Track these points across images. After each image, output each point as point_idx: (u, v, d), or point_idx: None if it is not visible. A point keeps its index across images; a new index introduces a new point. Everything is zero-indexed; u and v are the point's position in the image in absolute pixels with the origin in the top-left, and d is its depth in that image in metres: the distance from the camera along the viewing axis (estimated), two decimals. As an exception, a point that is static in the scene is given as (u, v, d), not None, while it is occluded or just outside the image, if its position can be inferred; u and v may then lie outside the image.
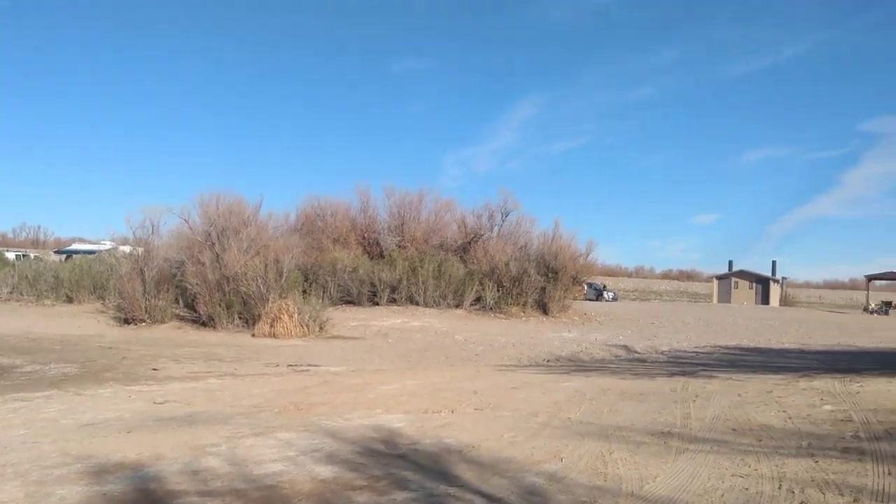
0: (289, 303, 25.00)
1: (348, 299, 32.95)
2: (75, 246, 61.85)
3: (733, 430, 7.85)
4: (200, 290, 26.57)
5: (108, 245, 43.69)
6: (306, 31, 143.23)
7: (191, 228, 30.20)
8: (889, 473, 5.66)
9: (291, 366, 16.58)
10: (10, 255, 50.05)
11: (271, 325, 24.77)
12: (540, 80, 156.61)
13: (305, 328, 24.55)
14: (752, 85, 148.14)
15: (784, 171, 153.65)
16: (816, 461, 6.18)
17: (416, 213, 37.99)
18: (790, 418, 8.29)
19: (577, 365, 17.23)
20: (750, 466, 6.15)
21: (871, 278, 69.74)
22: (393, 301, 33.16)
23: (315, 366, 16.57)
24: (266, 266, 26.29)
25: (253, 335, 24.50)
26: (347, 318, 28.24)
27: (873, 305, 62.65)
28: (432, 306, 32.71)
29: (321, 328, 24.93)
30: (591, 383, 12.49)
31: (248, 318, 25.97)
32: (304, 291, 28.54)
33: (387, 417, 9.13)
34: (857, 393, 9.95)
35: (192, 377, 14.27)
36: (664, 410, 9.26)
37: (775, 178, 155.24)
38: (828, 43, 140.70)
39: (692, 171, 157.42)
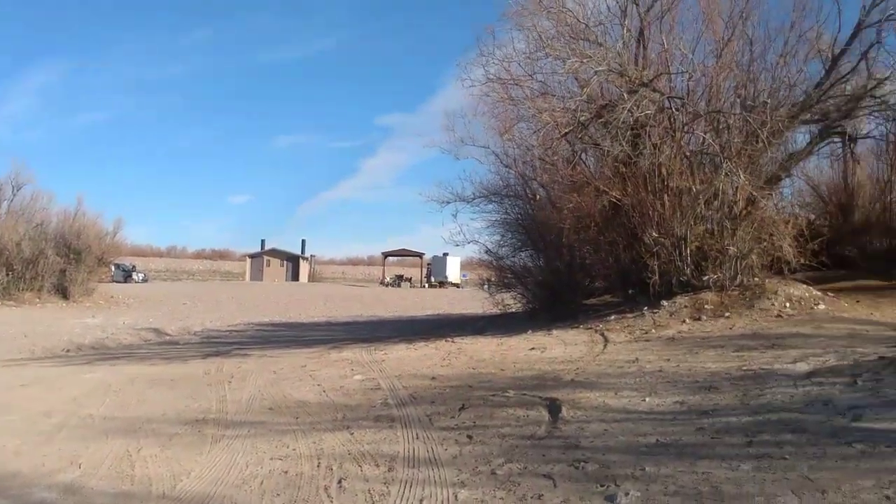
0: None
1: None
2: None
3: (270, 409, 7.78)
4: None
5: None
6: None
7: None
8: (417, 438, 6.06)
9: None
10: None
11: None
12: (61, 46, 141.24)
13: None
14: (285, 73, 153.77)
15: (313, 157, 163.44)
16: (352, 433, 6.37)
17: None
18: (324, 391, 8.53)
19: (101, 353, 15.77)
20: (289, 447, 6.08)
21: (386, 255, 77.67)
22: None
23: None
24: None
25: None
26: None
27: (388, 279, 69.90)
28: (-82, 295, 27.31)
29: None
30: (116, 372, 11.47)
31: None
32: None
33: None
34: (383, 361, 10.72)
35: None
36: (198, 395, 8.84)
37: (305, 163, 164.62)
38: (350, 42, 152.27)
39: (226, 151, 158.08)
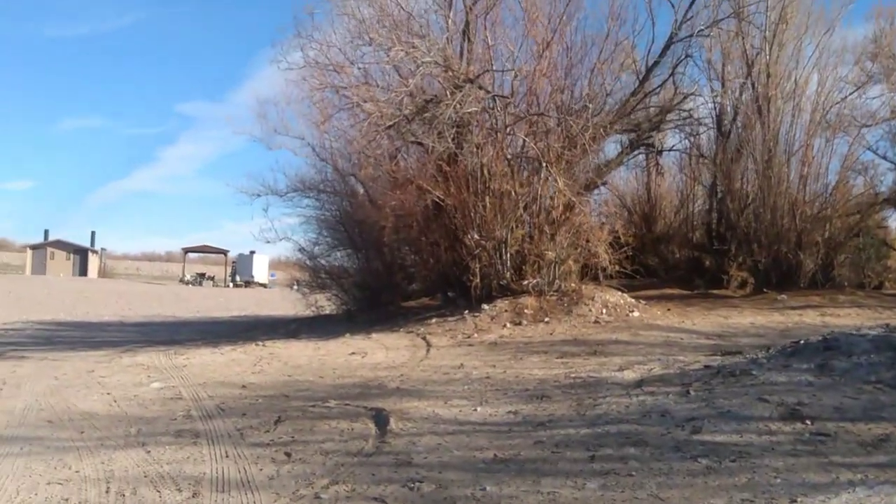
0: None
1: None
2: None
3: (50, 422, 6.65)
4: None
5: None
6: None
7: None
8: (227, 456, 5.30)
9: None
10: None
11: None
12: None
13: None
14: (72, 50, 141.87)
15: (104, 143, 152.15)
16: (149, 451, 5.49)
17: None
18: (116, 401, 7.48)
19: None
20: (71, 468, 5.11)
21: (186, 251, 73.77)
22: None
23: None
24: None
25: None
26: None
27: (189, 277, 66.41)
28: None
29: None
30: None
31: None
32: None
33: None
34: (185, 367, 9.72)
35: None
36: (-40, 407, 7.48)
37: (95, 149, 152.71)
38: (150, 21, 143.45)
39: (4, 134, 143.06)
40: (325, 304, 18.68)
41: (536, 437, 5.37)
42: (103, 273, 70.73)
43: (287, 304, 21.88)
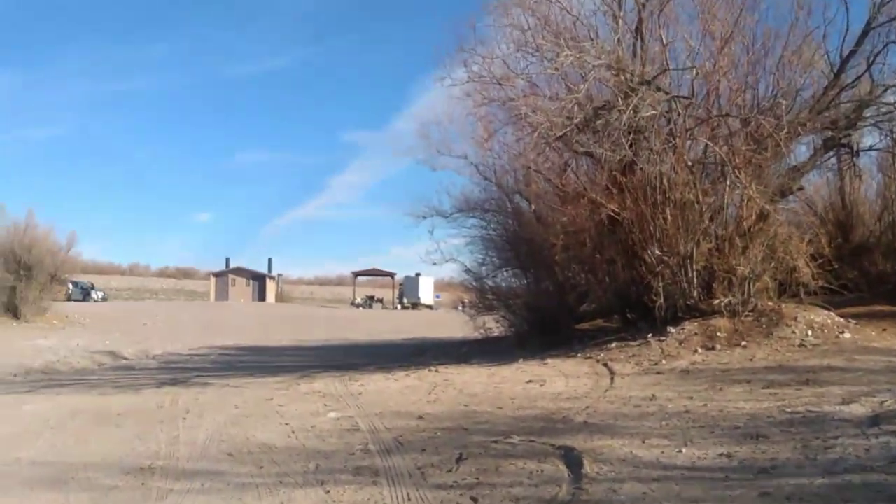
0: None
1: None
2: None
3: (230, 455, 6.50)
4: None
5: None
6: None
7: None
8: (409, 499, 4.85)
9: None
10: None
11: None
12: (9, 57, 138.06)
13: None
14: (246, 89, 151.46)
15: (277, 175, 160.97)
16: (327, 491, 5.14)
17: None
18: (294, 433, 7.27)
19: (49, 379, 14.39)
20: (247, 509, 4.86)
21: (356, 275, 76.24)
22: None
23: None
24: None
25: None
26: None
27: (359, 300, 68.46)
28: None
29: None
30: (59, 404, 10.12)
31: None
32: None
33: None
34: (360, 394, 9.50)
35: None
36: (147, 435, 7.55)
37: (269, 181, 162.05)
38: (317, 57, 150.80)
39: (187, 168, 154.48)
40: (493, 325, 18.25)
41: (761, 488, 4.53)
42: (280, 298, 74.34)
43: (454, 325, 21.69)
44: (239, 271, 73.80)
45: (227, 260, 76.68)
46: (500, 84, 12.50)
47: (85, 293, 53.27)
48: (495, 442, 6.25)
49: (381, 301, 69.68)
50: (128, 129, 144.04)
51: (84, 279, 54.53)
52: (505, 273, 17.93)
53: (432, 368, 11.63)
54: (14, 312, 28.42)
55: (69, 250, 32.77)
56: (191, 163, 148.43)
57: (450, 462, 5.72)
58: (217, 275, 74.39)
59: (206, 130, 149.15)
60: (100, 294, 57.04)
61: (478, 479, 5.24)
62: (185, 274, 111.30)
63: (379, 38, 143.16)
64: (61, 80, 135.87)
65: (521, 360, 11.59)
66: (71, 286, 46.59)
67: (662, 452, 5.53)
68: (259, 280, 73.30)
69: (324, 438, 7.01)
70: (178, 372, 15.02)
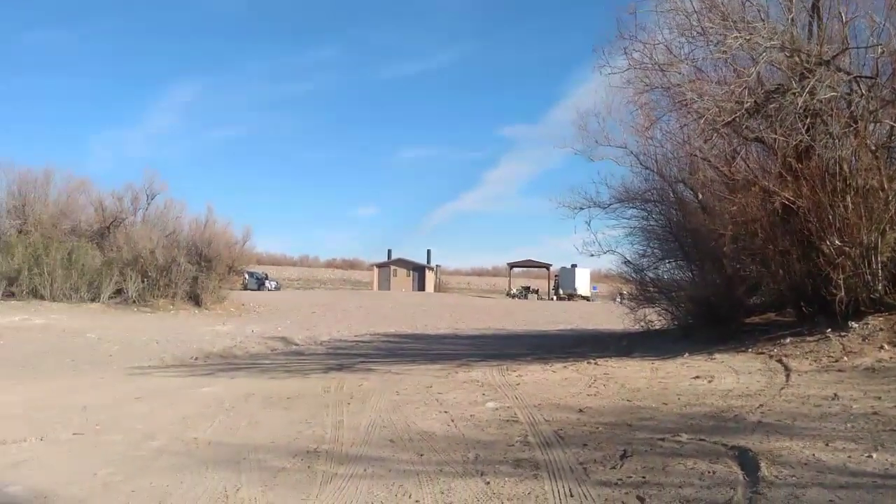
0: None
1: (-52, 297, 27.14)
2: None
3: (391, 441, 6.63)
4: None
5: None
6: None
7: None
8: (571, 495, 4.74)
9: None
10: None
11: None
12: (198, 64, 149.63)
13: None
14: (406, 88, 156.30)
15: (436, 169, 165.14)
16: (487, 482, 5.11)
17: (43, 193, 32.56)
18: (453, 421, 7.33)
19: (226, 363, 15.32)
20: (411, 496, 4.90)
21: (512, 266, 76.45)
22: (11, 295, 27.91)
23: None
24: None
25: None
26: (-54, 318, 23.10)
27: (515, 290, 68.61)
28: (62, 300, 28.15)
29: None
30: (234, 387, 10.75)
31: None
32: None
33: (-63, 458, 6.55)
34: (518, 385, 9.44)
35: None
36: (314, 419, 7.85)
37: (428, 175, 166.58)
38: (471, 54, 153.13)
39: (352, 165, 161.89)
40: (654, 318, 17.68)
41: (971, 503, 4.07)
42: (438, 288, 75.94)
43: (612, 317, 21.20)
44: (400, 262, 76.06)
45: (389, 251, 79.43)
46: (662, 71, 11.99)
47: (259, 283, 56.66)
48: (662, 440, 6.00)
49: (536, 292, 69.53)
50: (297, 129, 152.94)
51: (258, 270, 58.02)
52: (667, 264, 17.31)
53: (592, 361, 11.39)
54: (196, 300, 30.69)
55: (245, 243, 35.06)
56: (356, 160, 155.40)
57: (613, 458, 5.54)
58: (380, 265, 77.06)
59: (369, 129, 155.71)
60: (273, 284, 60.42)
61: (644, 477, 5.04)
62: (351, 265, 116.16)
63: (536, 32, 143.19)
64: (239, 86, 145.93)
65: (685, 354, 11.12)
66: (247, 276, 49.73)
67: (849, 457, 5.09)
68: (419, 271, 75.17)
69: (483, 428, 7.00)
70: (344, 357, 15.57)
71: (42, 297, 27.88)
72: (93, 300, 28.77)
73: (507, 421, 7.25)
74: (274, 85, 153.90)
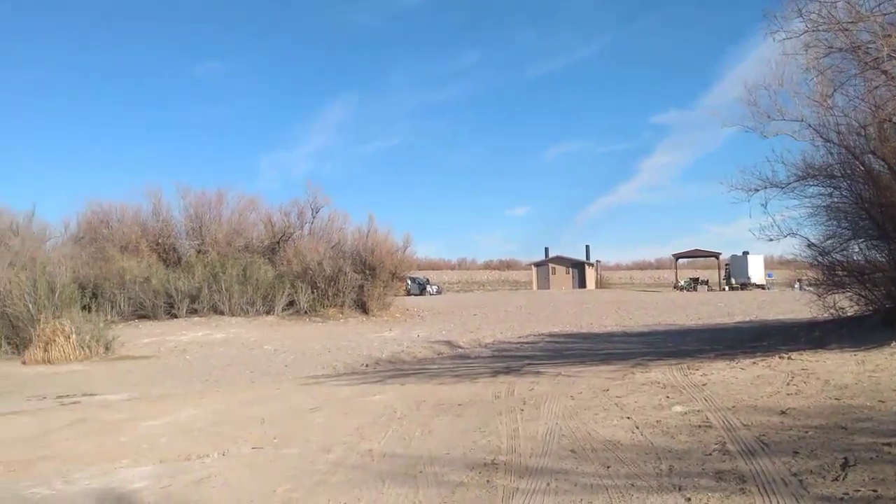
0: (64, 322, 21.37)
1: (142, 313, 29.32)
2: None
3: (572, 451, 6.18)
4: (-47, 314, 22.31)
5: None
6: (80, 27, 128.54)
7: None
8: (791, 516, 4.13)
9: (61, 397, 13.52)
10: None
11: (45, 350, 21.01)
12: (350, 82, 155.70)
13: (87, 350, 21.01)
14: (551, 84, 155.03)
15: (587, 163, 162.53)
16: (688, 498, 4.56)
17: (217, 214, 34.71)
18: (637, 428, 6.77)
19: (395, 369, 15.40)
20: (603, 516, 4.45)
21: (677, 257, 73.60)
22: (194, 312, 29.82)
23: (91, 395, 13.59)
24: (35, 282, 22.46)
25: (24, 362, 20.70)
26: (140, 335, 24.89)
27: (682, 282, 65.94)
28: (239, 314, 29.77)
29: (106, 349, 21.49)
30: (405, 394, 10.66)
31: (19, 342, 22.04)
32: (87, 307, 24.76)
33: (128, 474, 6.76)
34: (704, 385, 8.70)
35: None
36: (487, 427, 7.54)
37: (580, 170, 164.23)
38: (616, 43, 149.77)
39: (502, 166, 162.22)
40: (846, 304, 16.12)
41: None
42: (600, 284, 74.52)
43: (794, 305, 19.70)
44: (558, 260, 75.29)
45: (546, 249, 78.85)
46: (845, 30, 10.80)
47: (421, 288, 57.81)
48: (888, 444, 5.19)
49: (706, 283, 66.42)
50: (447, 134, 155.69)
51: (419, 275, 59.17)
52: (859, 244, 15.69)
53: (783, 355, 10.38)
54: (363, 308, 31.56)
55: (405, 250, 35.76)
56: (505, 161, 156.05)
57: (833, 468, 4.83)
58: (538, 264, 76.64)
59: (517, 128, 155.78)
60: (434, 288, 61.46)
61: (875, 490, 4.32)
62: (508, 265, 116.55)
63: (680, 15, 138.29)
64: (390, 96, 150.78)
65: (893, 343, 9.92)
66: (409, 282, 50.80)
67: None
68: (578, 267, 74.07)
69: (672, 435, 6.40)
70: (510, 360, 15.25)
71: (221, 313, 29.61)
72: (267, 313, 30.23)
73: (699, 427, 6.60)
74: (421, 94, 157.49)
